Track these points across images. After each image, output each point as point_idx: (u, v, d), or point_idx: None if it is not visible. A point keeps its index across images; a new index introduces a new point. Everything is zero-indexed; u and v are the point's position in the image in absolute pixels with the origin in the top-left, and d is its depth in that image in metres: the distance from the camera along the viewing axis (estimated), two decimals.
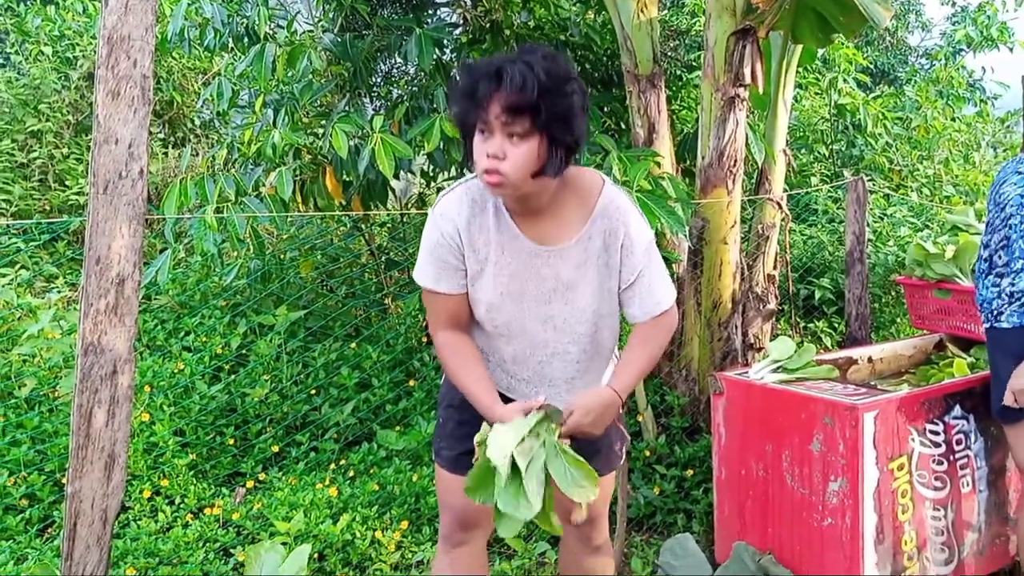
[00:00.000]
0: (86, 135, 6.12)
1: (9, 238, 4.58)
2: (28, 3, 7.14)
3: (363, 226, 4.53)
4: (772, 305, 3.85)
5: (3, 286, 3.70)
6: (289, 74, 3.59)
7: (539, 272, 1.86)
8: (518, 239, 1.85)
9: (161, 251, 3.28)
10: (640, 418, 3.52)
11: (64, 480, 3.03)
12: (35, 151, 5.83)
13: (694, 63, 5.65)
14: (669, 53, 5.40)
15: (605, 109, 4.21)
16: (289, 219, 3.53)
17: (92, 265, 1.96)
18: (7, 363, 3.47)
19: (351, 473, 3.33)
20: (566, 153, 1.74)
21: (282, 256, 4.37)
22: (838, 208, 5.69)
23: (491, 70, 1.66)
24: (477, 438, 1.76)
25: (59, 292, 3.89)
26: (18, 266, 4.21)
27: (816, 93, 6.82)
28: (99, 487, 2.02)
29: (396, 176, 3.64)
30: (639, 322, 1.92)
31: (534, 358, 1.92)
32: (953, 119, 7.07)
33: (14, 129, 5.87)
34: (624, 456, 2.12)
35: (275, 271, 4.28)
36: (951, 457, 2.67)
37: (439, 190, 4.86)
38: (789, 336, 3.63)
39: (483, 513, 2.01)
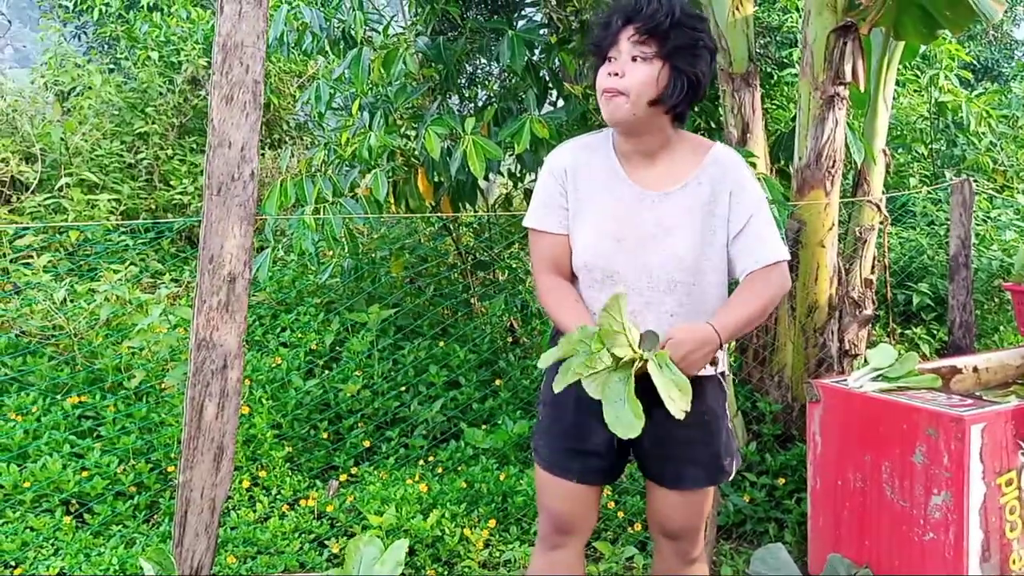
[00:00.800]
0: (189, 136, 6.38)
1: (119, 236, 4.81)
2: (136, 10, 7.48)
3: (451, 226, 4.59)
4: (869, 311, 3.74)
5: (115, 283, 3.89)
6: (384, 77, 3.66)
7: (640, 216, 1.89)
8: (624, 182, 1.90)
9: (260, 250, 3.40)
10: (730, 424, 3.47)
11: (170, 469, 3.18)
12: (142, 152, 6.10)
13: (786, 60, 5.52)
14: (761, 51, 5.29)
15: (697, 108, 4.16)
16: (382, 220, 3.61)
17: (206, 264, 2.04)
18: (118, 356, 3.65)
19: (439, 470, 3.39)
20: (685, 88, 1.80)
21: (374, 256, 4.47)
22: (938, 210, 5.48)
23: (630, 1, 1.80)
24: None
25: (166, 288, 4.07)
26: (127, 263, 4.42)
27: (915, 90, 6.58)
28: (208, 477, 2.11)
29: (486, 177, 3.68)
30: (749, 271, 1.88)
31: (627, 307, 1.86)
32: None
33: (123, 131, 6.16)
34: (732, 473, 2.06)
35: (367, 270, 4.38)
36: None
37: (526, 191, 4.89)
38: (887, 342, 3.51)
39: (579, 517, 2.02)
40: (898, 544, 2.52)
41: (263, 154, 6.48)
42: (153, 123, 6.19)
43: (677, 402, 1.71)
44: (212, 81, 2.07)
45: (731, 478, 2.08)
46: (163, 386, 3.46)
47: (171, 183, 5.98)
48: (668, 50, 1.77)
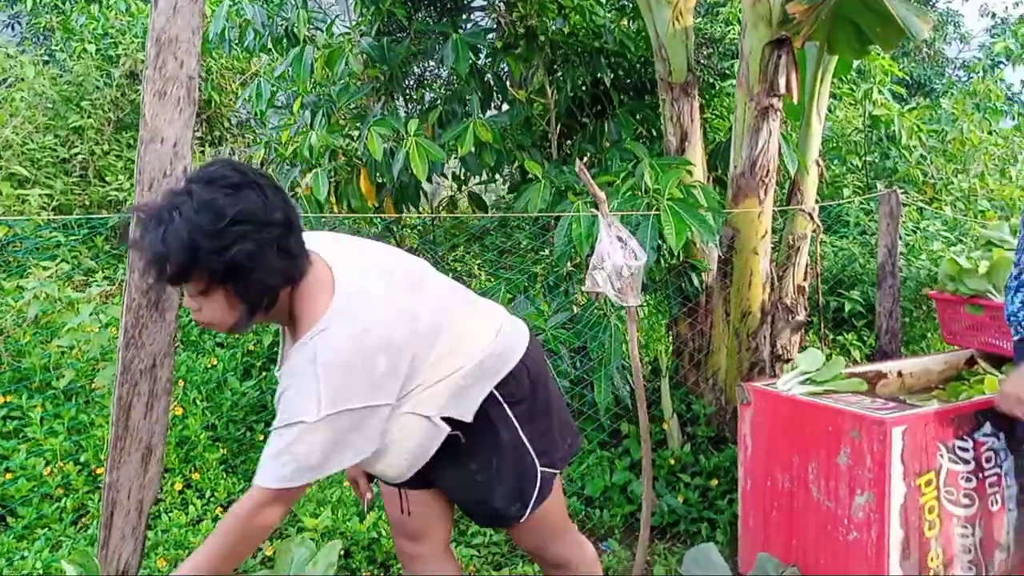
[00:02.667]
0: (126, 132, 6.24)
1: (50, 232, 4.68)
2: (73, 1, 7.29)
3: (394, 227, 4.57)
4: (801, 317, 3.84)
5: (45, 280, 3.78)
6: (327, 76, 3.64)
7: None
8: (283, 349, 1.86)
9: None
10: (665, 426, 3.53)
11: (99, 471, 3.11)
12: (76, 147, 5.95)
13: (727, 71, 5.63)
14: (703, 61, 5.39)
15: (638, 116, 4.23)
16: (323, 220, 3.57)
17: (135, 260, 2.01)
18: (47, 355, 3.55)
19: None
20: (261, 296, 1.59)
21: None
22: (870, 220, 5.64)
23: (140, 236, 1.55)
24: None
25: (98, 286, 3.97)
26: (58, 260, 4.30)
27: (850, 104, 6.77)
28: (136, 478, 2.08)
29: (429, 179, 3.68)
30: None
31: None
32: (990, 132, 6.97)
33: (56, 125, 5.99)
34: (519, 517, 1.95)
35: None
36: (980, 474, 2.64)
37: (470, 194, 4.90)
38: (818, 348, 3.61)
39: (426, 520, 2.05)
40: (824, 543, 2.59)
41: (203, 151, 6.37)
42: (89, 117, 6.04)
43: None
44: (145, 76, 2.04)
45: (528, 514, 1.95)
46: (93, 386, 3.38)
47: (106, 179, 5.84)
48: (213, 277, 1.55)
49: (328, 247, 1.76)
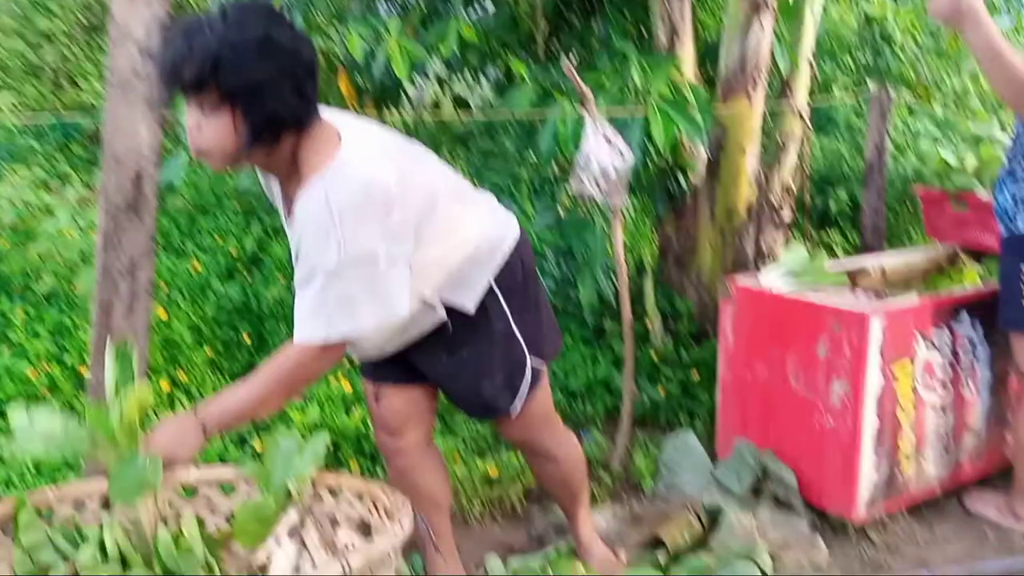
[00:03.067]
0: (98, 35, 6.05)
1: (24, 138, 4.59)
2: None
3: None
4: (787, 216, 3.83)
5: (20, 185, 3.73)
6: None
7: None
8: (281, 205, 1.79)
9: (175, 153, 3.29)
10: (648, 323, 3.56)
11: (84, 371, 3.13)
12: (47, 52, 5.77)
13: None
14: None
15: (627, 14, 4.10)
16: None
17: (111, 163, 1.97)
18: (26, 260, 3.53)
19: None
20: (267, 127, 1.55)
21: None
22: (860, 120, 5.58)
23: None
24: None
25: (76, 191, 3.92)
26: (34, 166, 4.23)
27: (845, 2, 6.60)
28: None
29: (411, 80, 3.60)
30: None
31: None
32: None
33: (26, 29, 5.80)
34: (509, 409, 1.98)
35: None
36: (955, 364, 2.70)
37: (455, 97, 4.80)
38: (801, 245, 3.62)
39: (408, 415, 2.07)
40: (800, 429, 2.66)
41: None
42: (58, 20, 5.84)
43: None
44: None
45: (517, 407, 1.99)
46: (75, 289, 3.37)
47: (79, 84, 5.69)
48: (226, 96, 1.51)
49: (333, 115, 1.76)
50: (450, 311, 1.86)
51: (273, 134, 1.57)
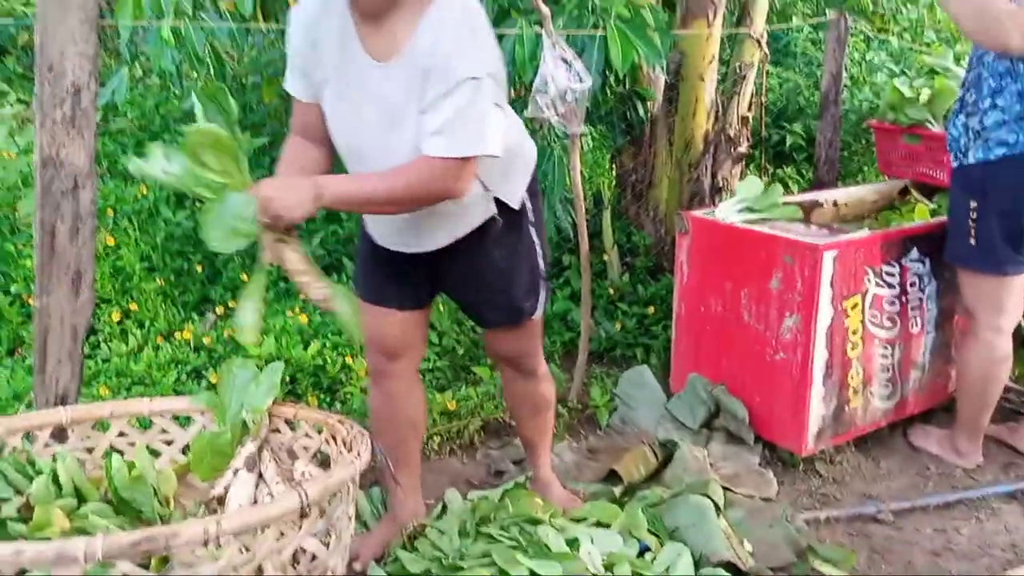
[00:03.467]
0: None
1: None
2: None
3: None
4: (743, 148, 3.83)
5: None
6: None
7: (373, 91, 1.70)
8: (358, 53, 1.70)
9: (117, 70, 3.14)
10: (606, 257, 3.57)
11: (31, 300, 3.04)
12: None
13: None
14: None
15: None
16: (250, 38, 3.36)
17: (45, 73, 1.87)
18: None
19: None
20: None
21: (243, 80, 4.20)
22: (817, 51, 5.57)
23: None
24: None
25: (12, 108, 3.74)
26: None
27: None
28: (67, 303, 2.03)
29: None
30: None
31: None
32: None
33: None
34: (535, 311, 2.07)
35: (237, 97, 4.12)
36: (904, 298, 2.76)
37: None
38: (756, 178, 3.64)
39: (405, 341, 2.08)
40: (752, 363, 2.71)
41: None
42: None
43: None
44: None
45: (538, 313, 2.09)
46: (17, 212, 3.25)
47: None
48: None
49: None
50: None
51: None
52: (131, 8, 2.78)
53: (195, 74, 3.51)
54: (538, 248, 2.04)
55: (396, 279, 2.00)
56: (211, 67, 3.03)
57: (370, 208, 1.79)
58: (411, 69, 1.65)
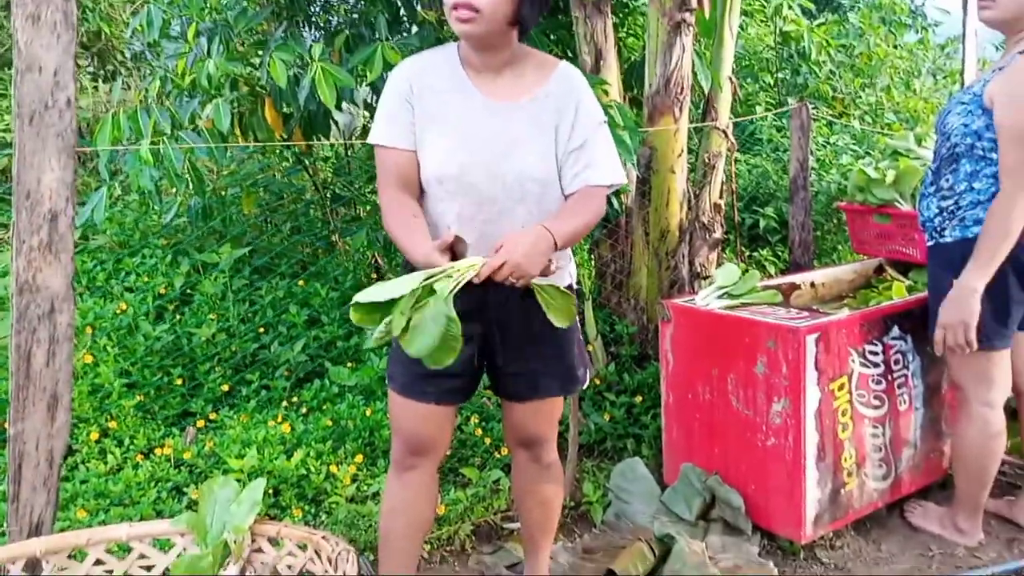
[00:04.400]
0: (7, 68, 5.82)
1: None
2: None
3: (306, 160, 4.42)
4: (718, 234, 3.89)
5: None
6: (223, 1, 3.43)
7: (492, 127, 1.89)
8: (473, 94, 1.90)
9: (96, 189, 3.17)
10: (590, 347, 3.56)
11: (5, 425, 2.97)
12: None
13: None
14: None
15: (552, 36, 4.14)
16: (229, 153, 3.41)
17: (22, 200, 1.88)
18: None
19: (304, 410, 3.32)
20: (538, 3, 1.84)
21: (223, 193, 4.25)
22: (782, 137, 5.73)
23: None
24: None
25: None
26: None
27: (762, 20, 6.80)
28: (43, 428, 1.99)
29: (338, 107, 3.54)
30: (571, 191, 1.95)
31: (480, 216, 1.91)
32: (895, 46, 7.12)
33: None
34: (585, 382, 2.15)
35: (216, 208, 4.16)
36: (889, 376, 2.76)
37: None
38: (734, 263, 3.68)
39: (434, 439, 2.05)
40: (744, 450, 2.68)
41: (96, 87, 6.00)
42: None
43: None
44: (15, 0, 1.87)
45: (585, 386, 2.19)
46: None
47: None
48: None
49: None
50: None
51: (535, 11, 1.85)
52: (110, 132, 2.84)
53: (174, 190, 3.54)
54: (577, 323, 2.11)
55: (439, 374, 1.89)
56: (191, 183, 3.06)
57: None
58: (542, 109, 1.92)
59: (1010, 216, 2.36)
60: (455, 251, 1.74)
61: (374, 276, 4.33)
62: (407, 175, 1.92)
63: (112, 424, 3.12)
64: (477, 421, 3.24)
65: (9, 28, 5.67)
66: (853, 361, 2.65)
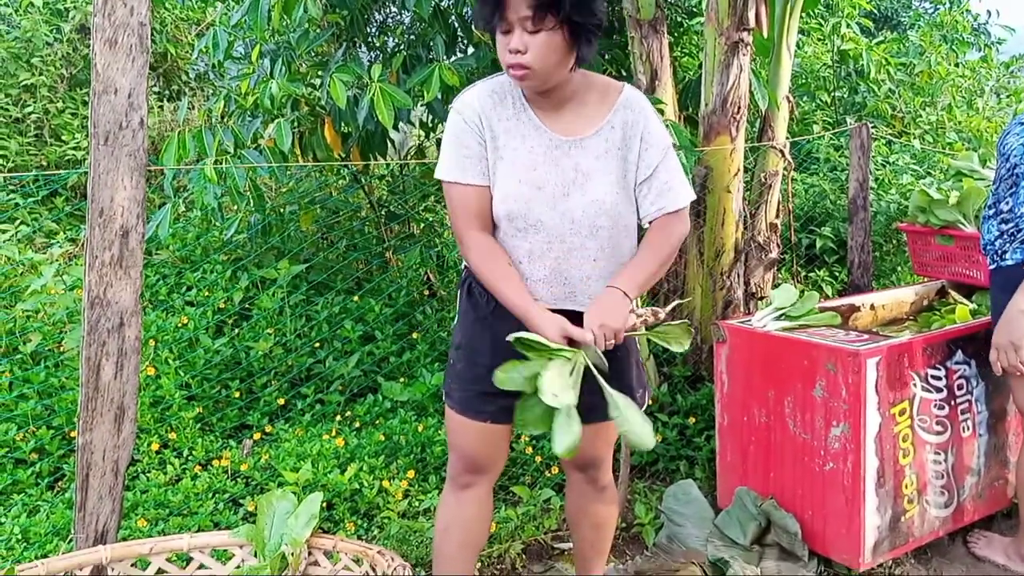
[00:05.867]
0: (81, 89, 6.05)
1: (7, 194, 4.55)
2: None
3: (363, 178, 4.50)
4: (774, 254, 3.84)
5: (4, 241, 3.68)
6: (285, 23, 3.52)
7: (558, 162, 1.89)
8: (539, 129, 1.89)
9: (160, 206, 3.27)
10: (640, 357, 3.54)
11: (73, 434, 3.07)
12: (29, 106, 5.75)
13: (695, 9, 5.56)
14: None
15: (607, 56, 4.15)
16: (288, 171, 3.49)
17: (95, 217, 1.95)
18: (11, 319, 3.47)
19: (357, 424, 3.36)
20: (591, 36, 1.82)
21: (282, 210, 4.35)
22: (840, 156, 5.65)
23: None
24: (523, 369, 1.78)
25: (60, 247, 3.88)
26: (18, 222, 4.18)
27: (819, 39, 6.72)
28: (110, 439, 2.04)
29: (395, 127, 3.60)
30: (651, 219, 1.95)
31: (551, 253, 1.90)
32: (956, 64, 6.97)
33: (7, 84, 5.79)
34: (645, 403, 2.13)
35: (275, 225, 4.26)
36: (952, 402, 2.69)
37: (438, 141, 4.82)
38: (790, 284, 3.63)
39: (491, 457, 2.06)
40: (800, 475, 2.63)
41: (161, 107, 6.20)
42: (40, 75, 5.83)
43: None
44: (94, 23, 1.95)
45: (643, 408, 2.12)
46: (61, 348, 3.32)
47: (63, 138, 5.67)
48: (563, 15, 1.74)
49: None
50: None
51: (583, 55, 1.83)
52: (176, 150, 2.93)
53: (235, 207, 3.63)
54: (636, 345, 2.12)
55: (497, 393, 1.89)
56: (251, 200, 3.14)
57: (654, 280, 1.96)
58: (609, 140, 1.91)
59: None
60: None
61: (426, 292, 4.38)
62: (484, 211, 1.91)
63: (172, 435, 3.19)
64: (528, 439, 3.24)
65: (83, 50, 5.91)
66: (915, 386, 2.59)
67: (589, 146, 1.90)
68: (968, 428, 2.74)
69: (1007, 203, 2.49)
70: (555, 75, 1.81)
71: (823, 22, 6.44)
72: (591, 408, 2.03)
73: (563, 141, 1.89)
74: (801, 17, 4.21)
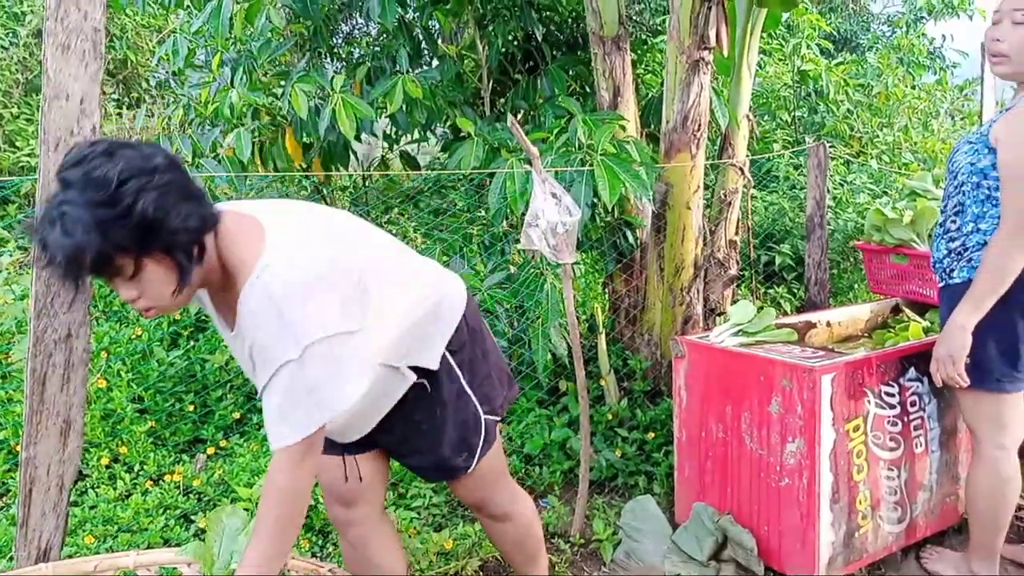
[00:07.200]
0: (37, 95, 5.93)
1: None
2: None
3: (324, 189, 4.46)
4: (733, 271, 3.88)
5: None
6: (247, 32, 3.49)
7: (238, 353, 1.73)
8: (217, 318, 1.76)
9: None
10: (603, 382, 3.55)
11: (19, 447, 2.98)
12: None
13: (659, 27, 5.62)
14: (634, 16, 5.36)
15: (570, 72, 4.18)
16: (248, 181, 3.45)
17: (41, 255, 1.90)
18: None
19: None
20: (190, 246, 1.50)
21: None
22: (799, 175, 5.73)
23: (39, 246, 1.43)
24: None
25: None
26: None
27: (780, 59, 6.83)
28: (55, 453, 1.99)
29: (358, 138, 3.58)
30: None
31: None
32: (913, 87, 7.14)
33: None
34: (472, 465, 1.99)
35: None
36: (905, 418, 2.72)
37: (402, 153, 4.80)
38: (749, 300, 3.66)
39: (357, 486, 2.00)
40: (757, 490, 2.64)
41: (120, 114, 6.10)
42: None
43: None
44: (46, 28, 1.91)
45: (474, 467, 1.99)
46: (9, 360, 3.23)
47: (17, 144, 5.55)
48: (137, 252, 1.46)
49: (251, 205, 1.71)
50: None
51: (199, 249, 1.52)
52: None
53: None
54: (471, 396, 1.93)
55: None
56: None
57: (286, 548, 1.64)
58: (244, 343, 1.61)
59: (1007, 254, 2.33)
60: None
61: None
62: None
63: (123, 450, 3.12)
64: None
65: (40, 55, 5.80)
66: (869, 402, 2.62)
67: (239, 345, 1.65)
68: (921, 444, 2.78)
69: (954, 222, 2.54)
70: (185, 287, 1.52)
71: (784, 43, 6.55)
72: (421, 473, 2.12)
73: (230, 336, 1.70)
74: (762, 37, 4.27)
